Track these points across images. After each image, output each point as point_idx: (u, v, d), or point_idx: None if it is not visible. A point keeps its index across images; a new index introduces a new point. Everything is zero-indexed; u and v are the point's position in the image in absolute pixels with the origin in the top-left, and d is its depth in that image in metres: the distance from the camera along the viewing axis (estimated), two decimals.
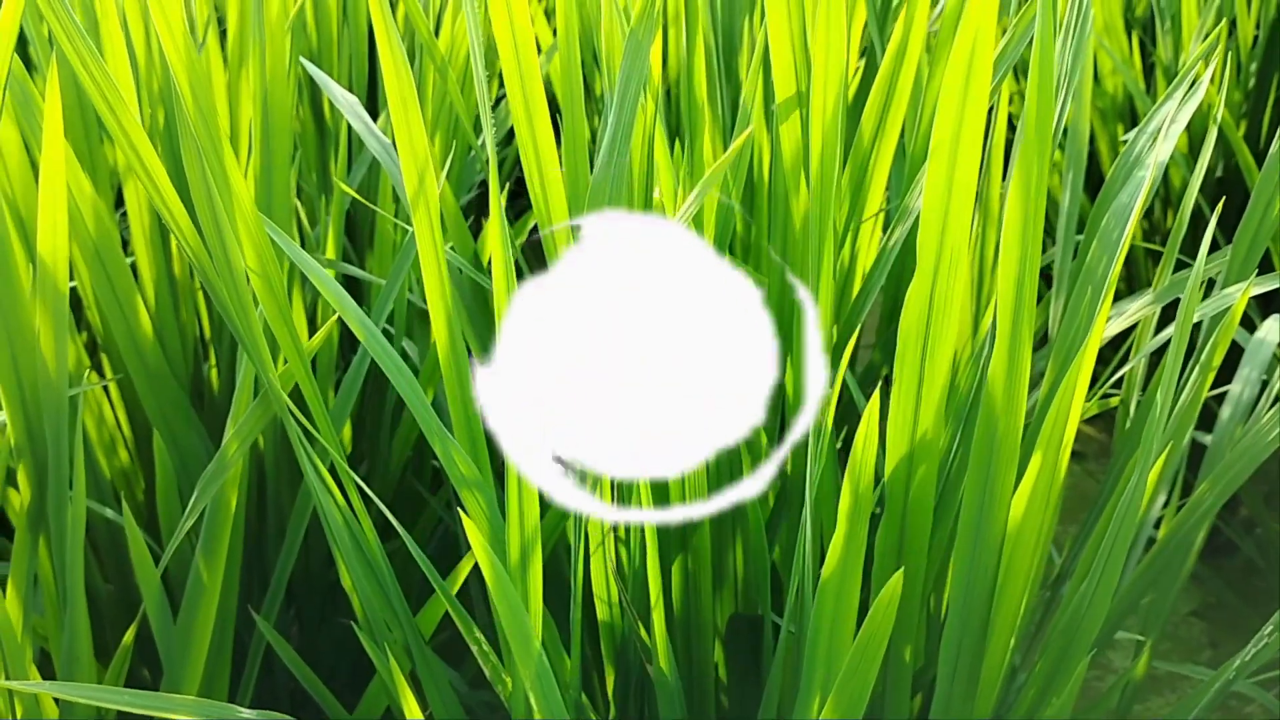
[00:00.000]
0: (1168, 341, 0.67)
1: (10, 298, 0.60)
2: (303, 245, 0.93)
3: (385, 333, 0.91)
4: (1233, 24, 1.39)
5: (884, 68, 0.77)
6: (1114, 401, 0.86)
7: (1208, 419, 1.26)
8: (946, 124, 0.51)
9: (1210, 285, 0.91)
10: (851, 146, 0.79)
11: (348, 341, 1.00)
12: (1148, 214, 1.46)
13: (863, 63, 0.98)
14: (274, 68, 0.73)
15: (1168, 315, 0.82)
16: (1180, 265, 1.43)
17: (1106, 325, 0.89)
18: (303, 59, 0.88)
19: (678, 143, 0.67)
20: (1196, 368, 0.72)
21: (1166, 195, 1.42)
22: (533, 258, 1.24)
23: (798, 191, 0.69)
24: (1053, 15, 0.48)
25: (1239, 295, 0.71)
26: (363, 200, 0.78)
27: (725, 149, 0.78)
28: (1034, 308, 0.54)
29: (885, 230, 0.91)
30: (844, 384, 0.81)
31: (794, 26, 0.67)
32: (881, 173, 0.82)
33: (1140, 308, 0.82)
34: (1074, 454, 1.51)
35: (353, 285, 1.10)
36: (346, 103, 0.86)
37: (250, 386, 0.64)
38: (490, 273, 0.84)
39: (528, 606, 0.59)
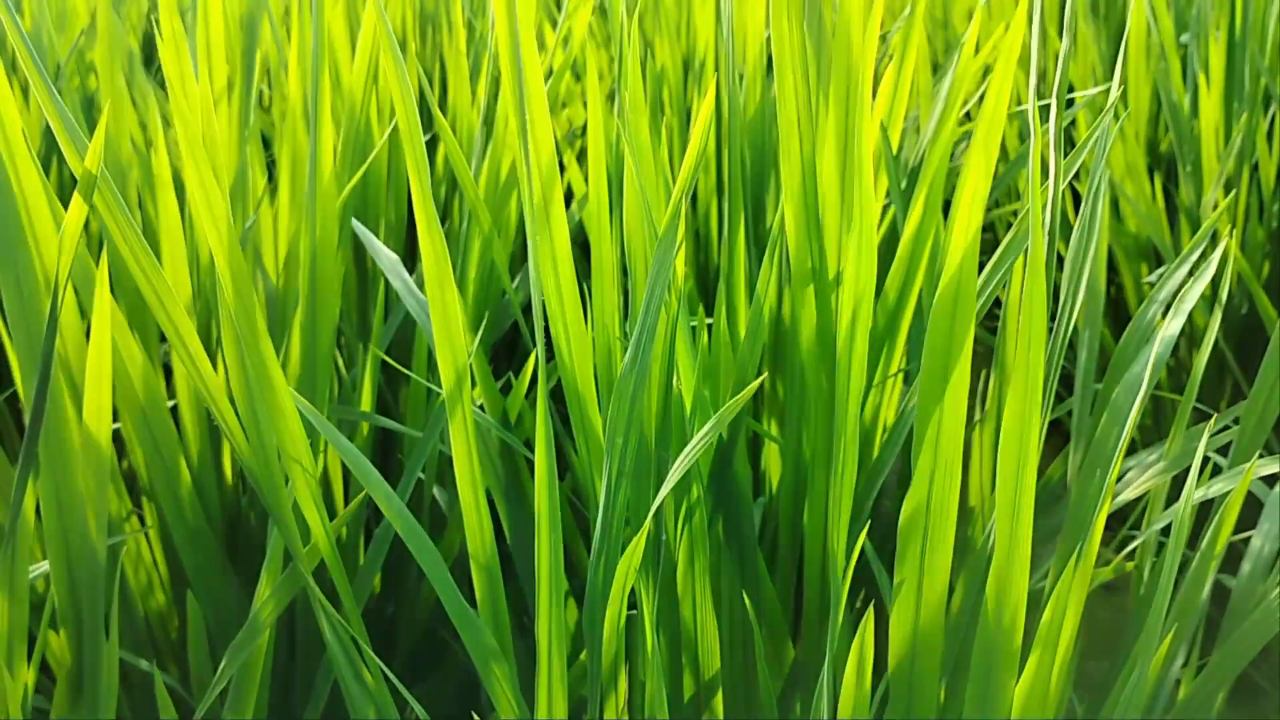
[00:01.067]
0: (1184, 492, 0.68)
1: (61, 459, 0.63)
2: (339, 391, 0.96)
3: (417, 481, 0.94)
4: (1254, 164, 1.42)
5: (904, 245, 0.80)
6: (1129, 566, 0.87)
7: (1234, 560, 1.27)
8: (935, 354, 0.53)
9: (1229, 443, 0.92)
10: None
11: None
12: (1174, 351, 1.47)
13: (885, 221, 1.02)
14: (324, 236, 0.77)
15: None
16: (1200, 415, 1.44)
17: (1122, 488, 0.91)
18: (354, 222, 0.93)
19: (700, 335, 0.69)
20: (1205, 540, 0.73)
21: (1191, 332, 1.44)
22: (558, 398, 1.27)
23: (820, 365, 0.72)
24: (1042, 247, 0.51)
25: (1246, 471, 0.72)
26: (397, 365, 0.81)
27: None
28: (1030, 522, 0.56)
29: (907, 384, 0.93)
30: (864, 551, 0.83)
31: (808, 203, 0.70)
32: (902, 336, 0.85)
33: (1152, 475, 0.83)
34: (1105, 585, 1.51)
35: (386, 408, 1.13)
36: (389, 261, 0.90)
37: (280, 558, 0.66)
38: (514, 428, 0.87)
39: None
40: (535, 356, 0.77)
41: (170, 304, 0.60)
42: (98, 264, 0.62)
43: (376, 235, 1.13)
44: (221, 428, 0.63)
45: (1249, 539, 0.92)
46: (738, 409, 0.57)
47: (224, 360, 0.87)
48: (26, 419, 0.61)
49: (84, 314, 0.75)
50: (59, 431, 0.62)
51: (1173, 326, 0.81)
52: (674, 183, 0.86)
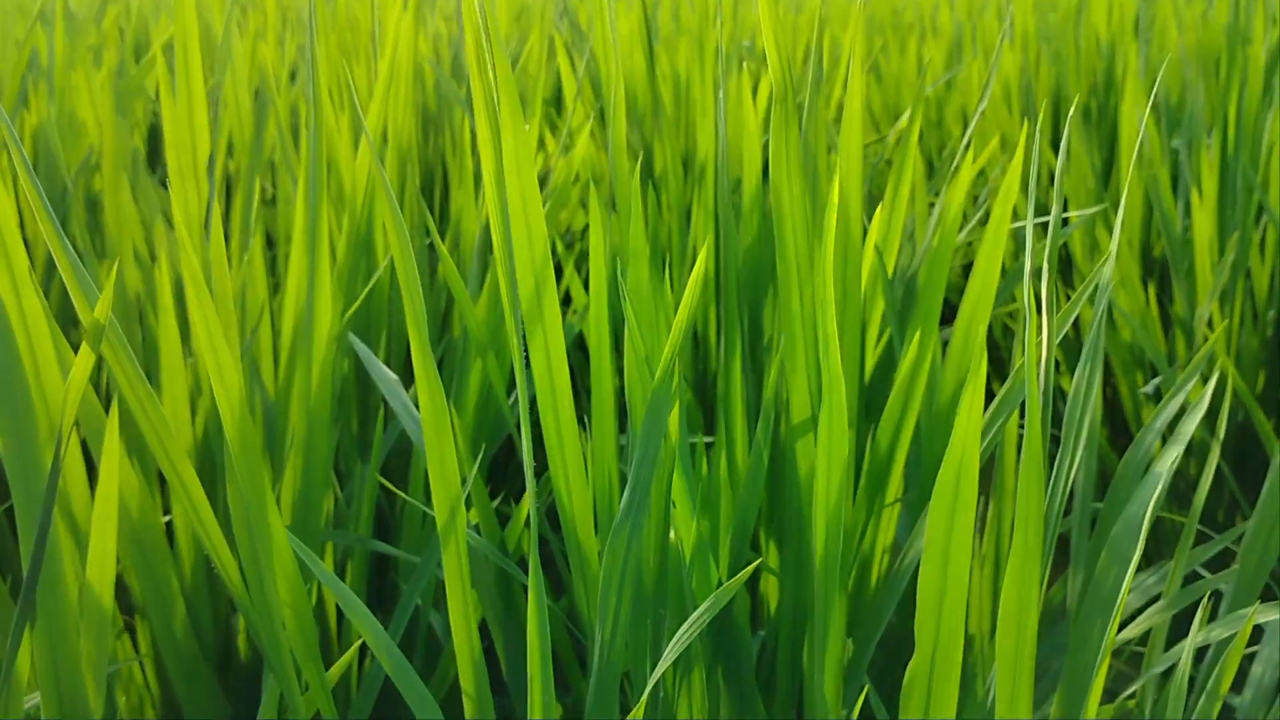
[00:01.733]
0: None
1: (59, 611, 0.63)
2: (336, 507, 0.96)
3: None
4: (1247, 273, 1.43)
5: (901, 378, 0.81)
6: (1131, 704, 0.86)
7: (1239, 677, 1.26)
8: (937, 530, 0.54)
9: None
10: (866, 451, 0.82)
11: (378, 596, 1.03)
12: (1178, 470, 1.47)
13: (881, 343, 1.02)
14: (321, 366, 0.78)
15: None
16: (1200, 536, 1.43)
17: (1123, 627, 0.90)
18: (351, 336, 0.93)
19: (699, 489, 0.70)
20: (1204, 695, 0.72)
21: (1189, 445, 1.44)
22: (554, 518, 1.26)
23: (812, 519, 0.72)
24: (1040, 423, 0.51)
25: (1247, 619, 0.72)
26: (395, 490, 0.81)
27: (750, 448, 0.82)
28: (1031, 685, 0.56)
29: (905, 511, 0.93)
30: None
31: (809, 354, 0.71)
32: (898, 465, 0.85)
33: (1153, 614, 0.83)
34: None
35: (384, 523, 1.13)
36: (388, 383, 0.90)
37: (275, 704, 0.66)
38: (511, 554, 0.87)
39: None
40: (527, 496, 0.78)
41: (174, 450, 0.60)
42: (105, 405, 0.62)
43: (378, 345, 1.14)
44: (220, 574, 0.63)
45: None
46: (733, 590, 0.56)
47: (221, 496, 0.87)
48: (24, 563, 0.60)
49: (83, 446, 0.75)
50: (57, 581, 0.61)
51: (1170, 457, 0.81)
52: (674, 303, 0.86)
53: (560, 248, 1.37)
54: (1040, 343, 0.70)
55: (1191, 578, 1.38)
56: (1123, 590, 0.74)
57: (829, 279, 0.57)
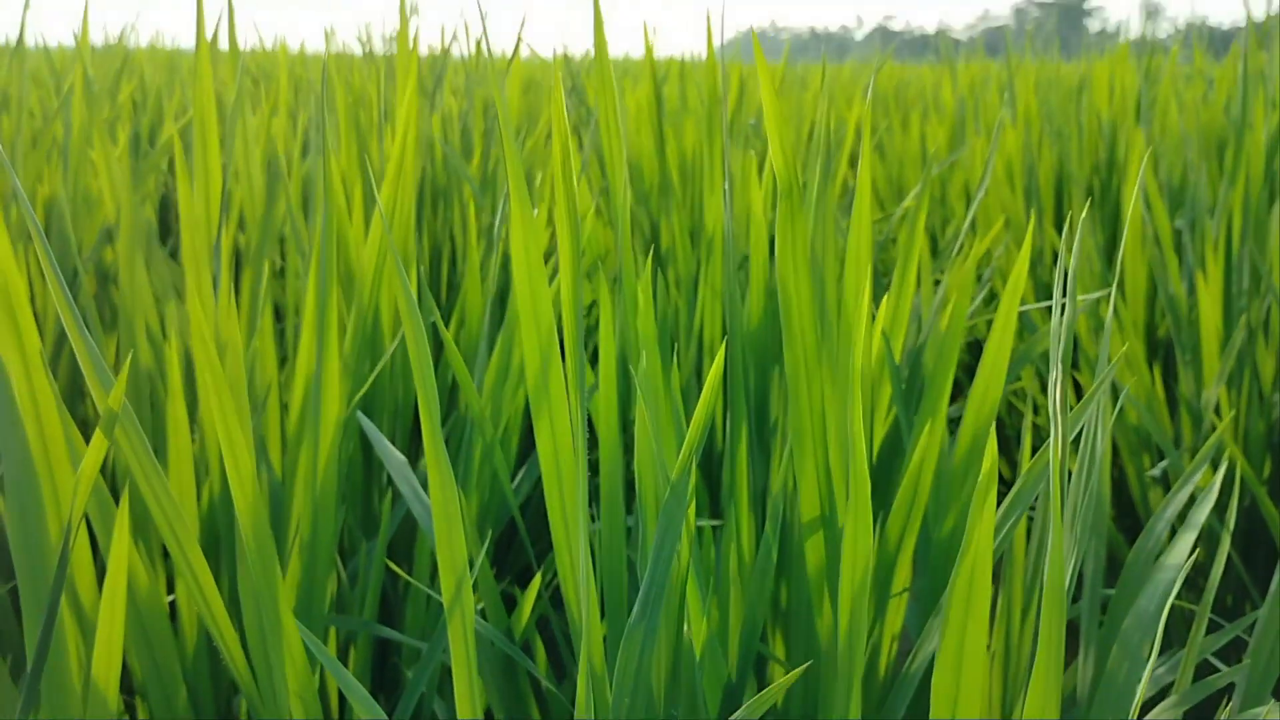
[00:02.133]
0: None
1: (63, 700, 0.62)
2: (340, 588, 0.95)
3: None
4: (1254, 358, 1.43)
5: (910, 470, 0.80)
6: None
7: None
8: (953, 632, 0.53)
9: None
10: (875, 539, 0.82)
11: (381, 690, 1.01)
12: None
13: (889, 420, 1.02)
14: (327, 451, 0.78)
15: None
16: (1214, 626, 1.42)
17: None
18: (360, 415, 0.93)
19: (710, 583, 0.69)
20: None
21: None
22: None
23: (821, 607, 0.71)
24: (1060, 558, 0.51)
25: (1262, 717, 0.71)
26: (401, 573, 0.81)
27: (759, 537, 0.81)
28: None
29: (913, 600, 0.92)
30: None
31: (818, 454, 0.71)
32: (907, 555, 0.84)
33: (1165, 709, 0.82)
34: None
35: (388, 602, 1.12)
36: (396, 464, 0.90)
37: None
38: (518, 641, 0.86)
39: None
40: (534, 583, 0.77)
41: (182, 534, 0.60)
42: (113, 492, 0.62)
43: (382, 421, 1.14)
44: (224, 656, 0.62)
45: None
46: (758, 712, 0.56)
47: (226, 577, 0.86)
48: (28, 646, 0.60)
49: (87, 522, 0.74)
50: (62, 667, 0.61)
51: (1182, 548, 0.81)
52: (681, 384, 0.86)
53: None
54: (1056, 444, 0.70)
55: (1202, 665, 1.37)
56: (1139, 689, 0.73)
57: (859, 402, 0.57)
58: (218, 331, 0.79)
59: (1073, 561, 0.69)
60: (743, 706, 0.62)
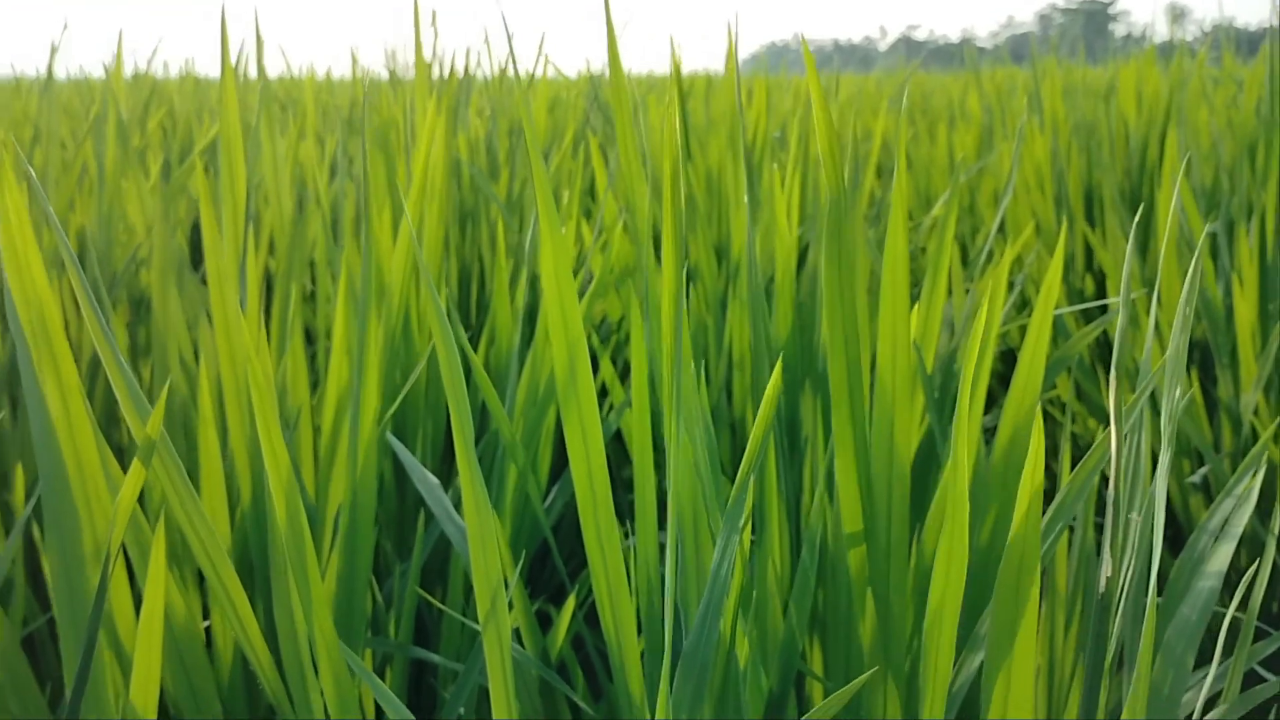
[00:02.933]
0: None
1: (100, 714, 0.63)
2: (374, 619, 0.95)
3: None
4: None
5: (946, 479, 0.79)
6: None
7: None
8: (1002, 626, 0.52)
9: None
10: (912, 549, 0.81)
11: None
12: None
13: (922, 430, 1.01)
14: (364, 473, 0.78)
15: None
16: (1260, 634, 1.40)
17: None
18: (391, 437, 0.93)
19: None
20: None
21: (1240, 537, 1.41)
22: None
23: (864, 612, 0.70)
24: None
25: None
26: (433, 600, 0.81)
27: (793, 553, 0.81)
28: None
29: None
30: None
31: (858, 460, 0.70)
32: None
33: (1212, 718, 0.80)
34: None
35: (421, 624, 1.12)
36: (429, 487, 0.90)
37: None
38: (556, 667, 0.86)
39: None
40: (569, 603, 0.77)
41: (218, 559, 0.60)
42: (149, 522, 0.62)
43: (414, 444, 1.14)
44: (260, 678, 0.62)
45: None
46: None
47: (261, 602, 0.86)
48: (67, 679, 0.60)
49: (125, 559, 0.75)
50: (100, 697, 0.61)
51: (1223, 556, 0.79)
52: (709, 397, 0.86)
53: (596, 341, 1.38)
54: (1107, 455, 0.69)
55: (1250, 674, 1.35)
56: (1188, 699, 0.72)
57: (965, 413, 0.56)
58: (248, 350, 0.79)
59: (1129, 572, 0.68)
60: None
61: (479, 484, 0.60)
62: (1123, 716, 0.51)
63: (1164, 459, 0.53)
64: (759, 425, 0.58)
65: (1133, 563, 0.66)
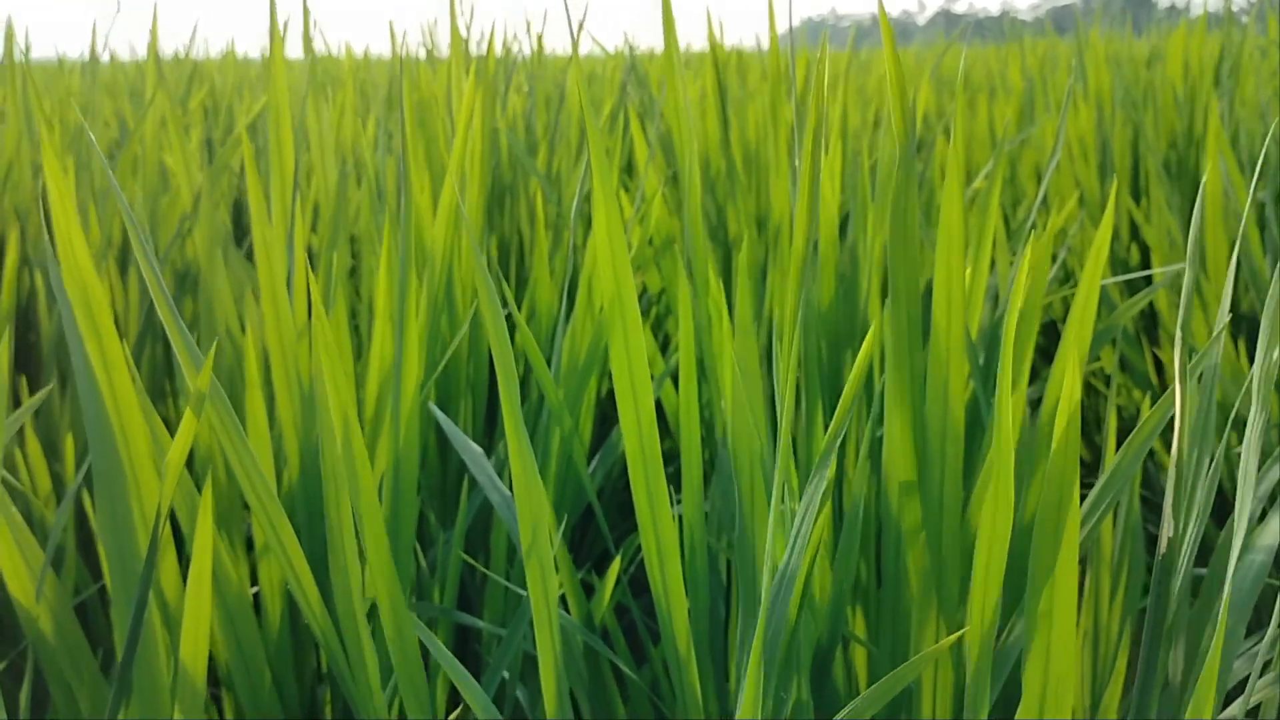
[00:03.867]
0: None
1: (153, 690, 0.64)
2: (418, 584, 0.96)
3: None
4: None
5: (990, 447, 0.79)
6: None
7: None
8: (1039, 577, 0.52)
9: None
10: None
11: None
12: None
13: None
14: (407, 442, 0.78)
15: None
16: None
17: (1229, 701, 0.87)
18: (432, 405, 0.94)
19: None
20: None
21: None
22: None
23: (922, 577, 0.70)
24: None
25: None
26: (477, 565, 0.81)
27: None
28: None
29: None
30: None
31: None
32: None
33: (1263, 686, 0.79)
34: None
35: (465, 591, 1.13)
36: (473, 455, 0.91)
37: None
38: (600, 632, 0.86)
39: None
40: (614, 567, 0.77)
41: (275, 514, 0.61)
42: (197, 482, 0.63)
43: (457, 413, 1.15)
44: (314, 629, 0.63)
45: None
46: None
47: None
48: (118, 643, 0.61)
49: (173, 526, 0.76)
50: (152, 659, 0.62)
51: (1272, 530, 0.78)
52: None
53: None
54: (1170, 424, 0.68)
55: None
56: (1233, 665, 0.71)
57: (1010, 368, 0.56)
58: (308, 315, 0.80)
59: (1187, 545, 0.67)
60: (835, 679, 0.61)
61: (524, 443, 0.61)
62: (1199, 681, 0.50)
63: (1255, 420, 0.52)
64: (851, 382, 0.58)
65: (1195, 527, 0.66)
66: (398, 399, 0.78)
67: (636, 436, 0.63)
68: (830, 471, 0.77)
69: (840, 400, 0.57)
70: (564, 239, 1.25)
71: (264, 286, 0.82)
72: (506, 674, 0.88)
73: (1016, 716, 0.56)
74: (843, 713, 0.54)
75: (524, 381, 1.24)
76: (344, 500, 0.61)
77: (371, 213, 1.22)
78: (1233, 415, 0.66)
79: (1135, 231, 1.92)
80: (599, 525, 1.07)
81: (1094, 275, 0.76)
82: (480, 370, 1.16)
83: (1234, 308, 1.62)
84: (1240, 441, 1.41)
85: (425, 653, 0.98)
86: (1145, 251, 1.89)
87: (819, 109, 0.79)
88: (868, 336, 0.58)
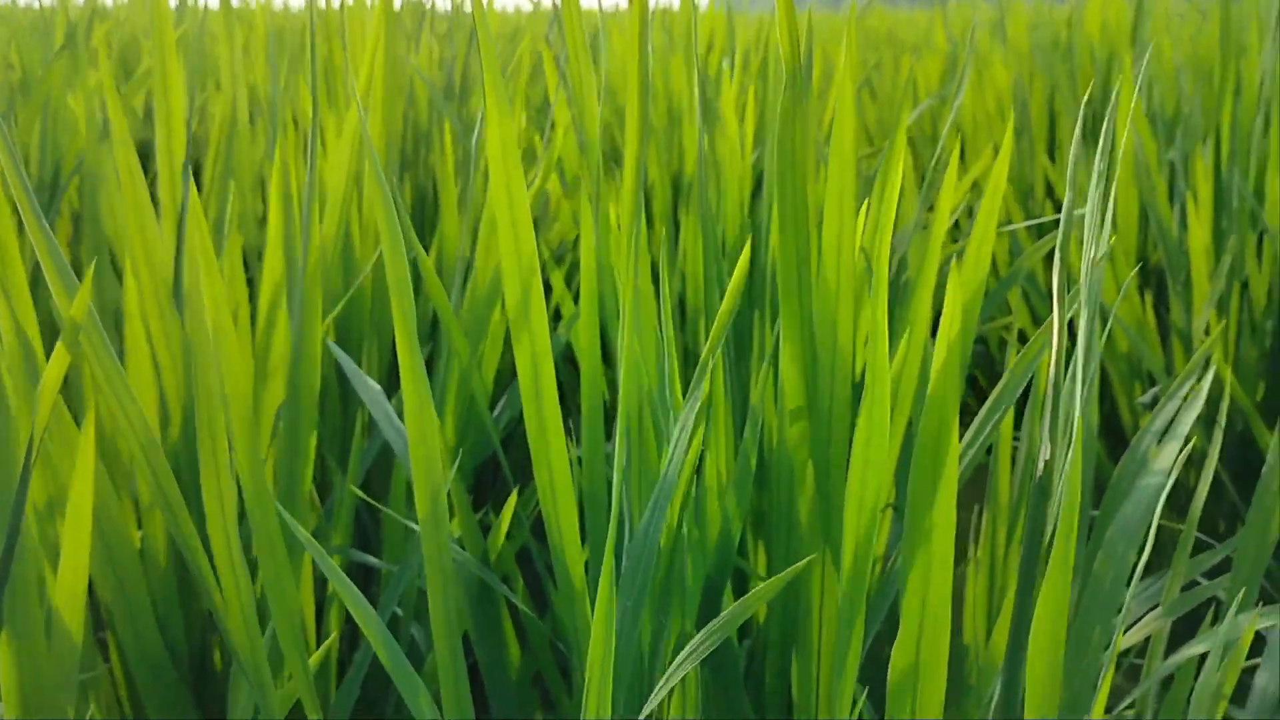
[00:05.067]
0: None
1: (28, 628, 0.61)
2: (317, 533, 0.94)
3: (394, 616, 0.91)
4: (1244, 283, 1.41)
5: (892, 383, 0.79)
6: (1130, 714, 0.84)
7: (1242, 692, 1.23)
8: (919, 502, 0.52)
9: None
10: None
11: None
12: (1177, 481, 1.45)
13: None
14: (305, 373, 0.76)
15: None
16: (1201, 545, 1.41)
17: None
18: (331, 344, 0.92)
19: None
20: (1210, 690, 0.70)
21: (1190, 453, 1.42)
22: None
23: (814, 510, 0.70)
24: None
25: (1247, 625, 0.70)
26: (374, 503, 0.79)
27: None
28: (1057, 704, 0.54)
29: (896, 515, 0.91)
30: None
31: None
32: (889, 467, 0.83)
33: (1150, 620, 0.81)
34: None
35: (365, 537, 1.11)
36: (371, 393, 0.88)
37: (250, 705, 0.64)
38: (495, 567, 0.85)
39: None
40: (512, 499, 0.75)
41: (153, 455, 0.58)
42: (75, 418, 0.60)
43: (359, 354, 1.12)
44: (194, 571, 0.61)
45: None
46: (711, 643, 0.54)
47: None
48: None
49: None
50: (25, 595, 0.59)
51: (1166, 457, 0.79)
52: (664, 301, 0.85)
53: (550, 263, 1.36)
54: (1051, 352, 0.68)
55: (1192, 587, 1.36)
56: (1127, 595, 0.72)
57: (884, 278, 0.55)
58: (194, 242, 0.77)
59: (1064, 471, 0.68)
60: (723, 612, 0.60)
61: (419, 371, 0.59)
62: (1040, 591, 0.51)
63: (1083, 317, 0.52)
64: (721, 314, 0.57)
65: (1069, 451, 0.66)
66: (298, 330, 0.75)
67: (530, 359, 0.61)
68: (717, 394, 0.76)
69: (717, 318, 0.56)
70: (473, 176, 1.23)
71: (131, 216, 0.79)
72: (400, 610, 0.86)
73: (896, 641, 0.55)
74: (710, 624, 0.54)
75: (433, 328, 1.21)
76: (215, 411, 0.58)
77: (272, 147, 1.19)
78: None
79: (1050, 190, 1.94)
80: (505, 472, 1.06)
81: (992, 207, 0.76)
82: (385, 316, 1.14)
83: (1143, 263, 1.65)
84: (1144, 392, 1.43)
85: (318, 595, 0.96)
86: (1060, 208, 1.91)
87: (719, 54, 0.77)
88: (738, 265, 0.57)
